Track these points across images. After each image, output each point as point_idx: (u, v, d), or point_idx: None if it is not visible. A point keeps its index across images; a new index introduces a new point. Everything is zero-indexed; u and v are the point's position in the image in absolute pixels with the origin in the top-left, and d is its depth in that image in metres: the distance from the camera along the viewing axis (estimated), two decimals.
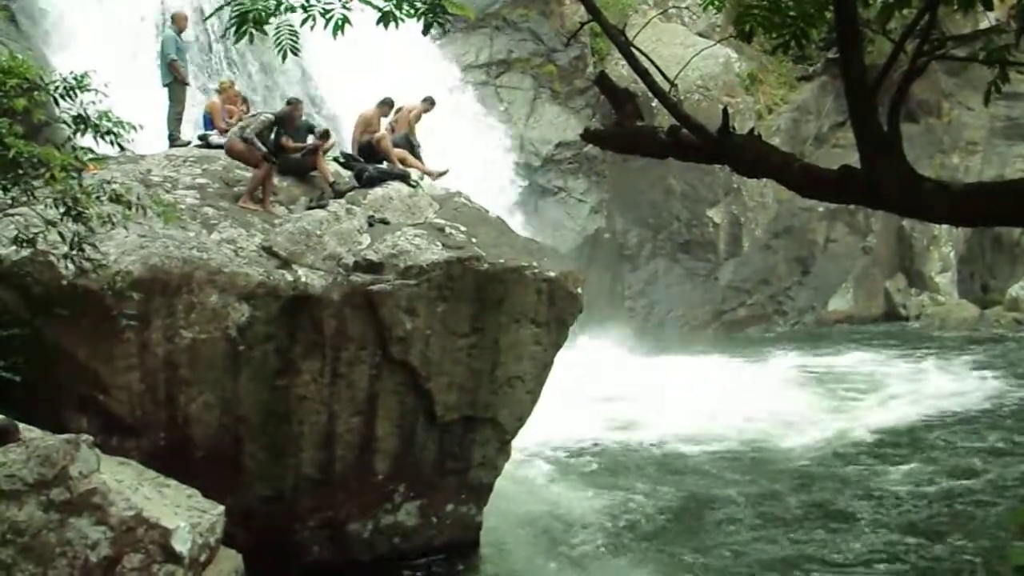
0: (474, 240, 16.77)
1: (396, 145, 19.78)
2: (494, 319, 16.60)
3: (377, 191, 17.65)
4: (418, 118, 21.89)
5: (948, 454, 22.59)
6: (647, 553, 17.11)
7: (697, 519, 18.68)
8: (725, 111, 9.90)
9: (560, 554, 17.14)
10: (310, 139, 18.32)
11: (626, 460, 22.55)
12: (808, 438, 24.02)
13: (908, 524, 18.12)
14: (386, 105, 20.50)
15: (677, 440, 23.98)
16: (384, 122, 20.39)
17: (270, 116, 17.96)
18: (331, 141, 18.73)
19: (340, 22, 9.76)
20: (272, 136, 17.59)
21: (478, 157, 30.93)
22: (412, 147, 20.83)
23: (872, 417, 26.05)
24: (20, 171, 11.08)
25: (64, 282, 13.81)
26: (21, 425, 11.96)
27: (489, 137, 34.69)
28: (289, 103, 18.95)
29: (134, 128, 11.71)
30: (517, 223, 26.78)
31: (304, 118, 19.20)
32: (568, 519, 18.53)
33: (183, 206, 15.52)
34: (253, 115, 18.39)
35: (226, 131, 18.69)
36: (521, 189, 35.07)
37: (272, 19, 9.91)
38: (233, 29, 9.83)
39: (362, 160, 18.73)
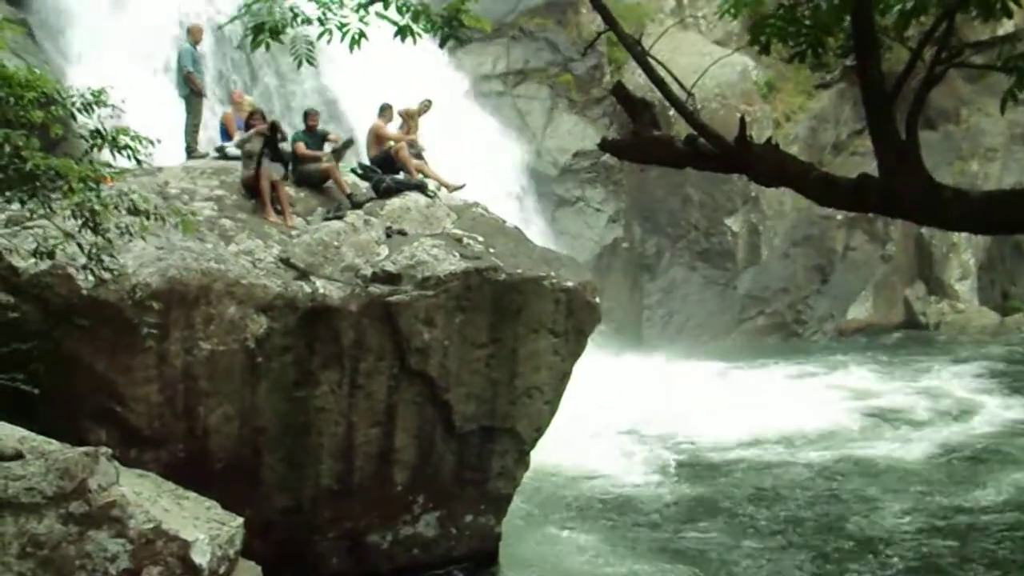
0: (492, 250, 16.77)
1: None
2: (512, 329, 16.59)
3: (395, 202, 17.66)
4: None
5: None
6: (669, 564, 17.04)
7: (736, 548, 17.99)
8: (742, 120, 9.90)
9: (580, 565, 17.10)
10: (326, 147, 18.35)
11: (649, 470, 22.32)
12: None
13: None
14: (387, 110, 20.43)
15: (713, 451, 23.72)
16: (393, 127, 20.26)
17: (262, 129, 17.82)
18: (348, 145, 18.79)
19: (356, 36, 9.78)
20: (262, 147, 17.39)
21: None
22: (420, 156, 20.75)
23: None
24: (38, 184, 11.10)
25: (83, 293, 13.84)
26: (40, 437, 11.98)
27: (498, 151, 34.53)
28: (306, 113, 19.02)
29: (151, 143, 11.72)
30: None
31: (322, 127, 19.22)
32: (589, 530, 18.44)
33: (201, 218, 15.50)
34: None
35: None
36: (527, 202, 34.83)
37: (288, 30, 9.93)
38: (250, 39, 9.87)
39: (379, 171, 18.73)
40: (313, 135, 18.43)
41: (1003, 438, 24.48)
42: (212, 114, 23.65)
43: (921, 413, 26.97)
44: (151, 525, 11.84)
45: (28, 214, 12.17)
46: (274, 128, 17.53)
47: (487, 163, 32.35)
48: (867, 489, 20.53)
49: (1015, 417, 26.26)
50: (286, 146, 18.08)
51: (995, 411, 27.05)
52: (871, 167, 9.50)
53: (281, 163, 17.46)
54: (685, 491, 20.64)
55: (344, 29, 9.82)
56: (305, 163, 17.93)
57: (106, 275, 12.29)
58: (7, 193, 11.33)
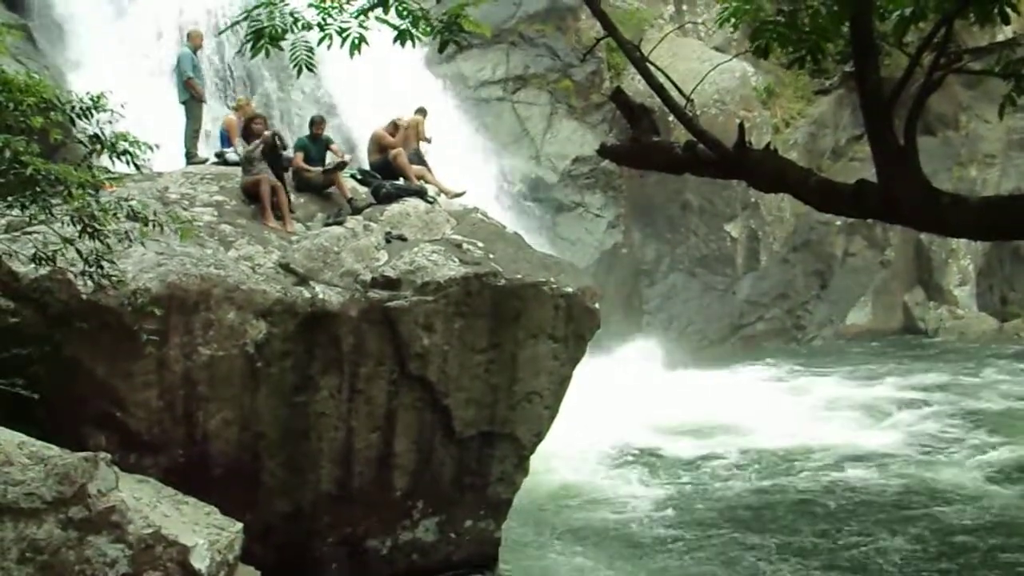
0: (491, 256, 16.77)
1: (410, 162, 19.74)
2: (511, 335, 16.59)
3: (394, 207, 17.67)
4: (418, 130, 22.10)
5: None
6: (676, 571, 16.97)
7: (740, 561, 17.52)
8: (741, 126, 9.93)
9: (583, 571, 17.08)
10: (329, 154, 18.35)
11: (659, 476, 22.23)
12: None
13: None
14: (397, 120, 20.51)
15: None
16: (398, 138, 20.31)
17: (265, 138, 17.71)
18: (348, 158, 18.79)
19: (356, 41, 9.79)
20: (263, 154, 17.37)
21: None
22: (422, 161, 20.88)
23: None
24: (38, 189, 11.12)
25: (83, 298, 13.84)
26: (39, 442, 11.97)
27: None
28: (312, 121, 19.04)
29: (150, 148, 11.76)
30: None
31: (326, 134, 19.22)
32: (591, 544, 18.31)
33: (200, 223, 15.53)
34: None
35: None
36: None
37: (288, 35, 9.94)
38: (249, 45, 9.87)
39: (379, 177, 18.75)
40: (317, 143, 18.46)
41: None
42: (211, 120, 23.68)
43: (942, 425, 26.31)
44: (150, 530, 11.83)
45: (28, 219, 12.19)
46: (275, 138, 17.50)
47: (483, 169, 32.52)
48: (890, 513, 19.52)
49: None
50: (288, 152, 18.13)
51: None
52: (870, 173, 9.52)
53: (281, 170, 17.48)
54: (690, 508, 20.15)
55: (344, 34, 9.83)
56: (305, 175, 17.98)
57: (105, 281, 12.32)
58: (7, 198, 11.36)
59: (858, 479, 21.64)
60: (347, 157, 18.91)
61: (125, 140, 11.50)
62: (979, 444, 24.24)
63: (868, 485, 21.21)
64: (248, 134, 17.70)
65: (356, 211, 17.39)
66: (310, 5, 9.98)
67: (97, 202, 11.40)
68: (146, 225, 11.86)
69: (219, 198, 16.97)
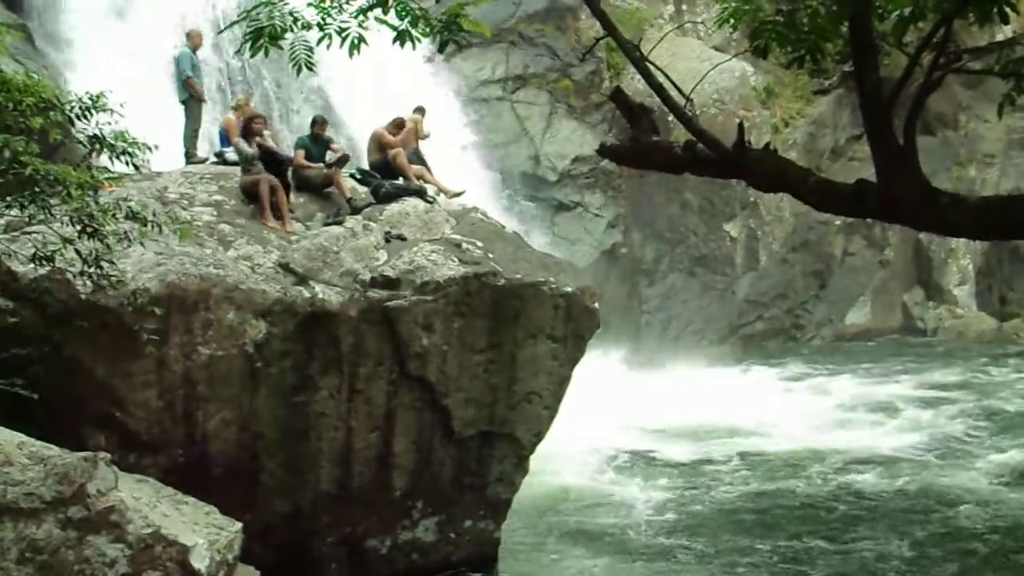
0: (491, 256, 16.76)
1: (410, 162, 19.71)
2: (511, 334, 16.59)
3: (394, 207, 17.66)
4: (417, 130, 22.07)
5: None
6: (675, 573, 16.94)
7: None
8: (741, 125, 9.94)
9: (582, 572, 17.06)
10: (329, 154, 18.33)
11: (660, 479, 22.02)
12: None
13: None
14: (396, 126, 20.46)
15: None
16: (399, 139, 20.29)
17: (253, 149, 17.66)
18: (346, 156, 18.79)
19: (356, 41, 9.79)
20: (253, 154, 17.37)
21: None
22: (422, 161, 20.85)
23: None
24: (37, 189, 11.12)
25: (82, 298, 13.83)
26: (39, 442, 11.97)
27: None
28: (314, 120, 19.03)
29: (149, 148, 11.76)
30: None
31: (327, 134, 19.20)
32: (591, 548, 18.23)
33: (200, 223, 15.53)
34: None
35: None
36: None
37: (287, 35, 9.95)
38: (248, 44, 9.89)
39: (378, 176, 18.74)
40: (318, 142, 18.46)
41: None
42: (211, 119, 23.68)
43: (954, 426, 25.90)
44: (150, 530, 11.83)
45: (27, 219, 12.19)
46: (263, 150, 17.46)
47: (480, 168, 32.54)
48: (898, 517, 19.07)
49: None
50: (288, 152, 18.14)
51: None
52: (869, 173, 9.53)
53: (282, 169, 17.46)
54: (692, 512, 19.83)
55: (344, 34, 9.84)
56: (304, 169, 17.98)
57: (104, 281, 12.31)
58: (7, 198, 11.36)
59: (867, 482, 21.33)
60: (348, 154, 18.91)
61: (124, 140, 11.50)
62: (993, 445, 23.99)
63: (877, 488, 20.87)
64: (248, 134, 17.67)
65: (355, 211, 17.38)
66: (310, 5, 9.99)
67: (96, 202, 11.40)
68: (145, 225, 11.86)
69: (218, 198, 16.96)
